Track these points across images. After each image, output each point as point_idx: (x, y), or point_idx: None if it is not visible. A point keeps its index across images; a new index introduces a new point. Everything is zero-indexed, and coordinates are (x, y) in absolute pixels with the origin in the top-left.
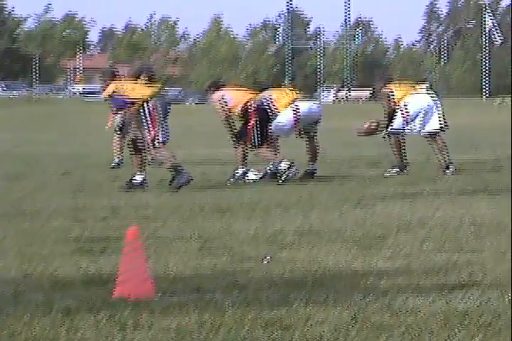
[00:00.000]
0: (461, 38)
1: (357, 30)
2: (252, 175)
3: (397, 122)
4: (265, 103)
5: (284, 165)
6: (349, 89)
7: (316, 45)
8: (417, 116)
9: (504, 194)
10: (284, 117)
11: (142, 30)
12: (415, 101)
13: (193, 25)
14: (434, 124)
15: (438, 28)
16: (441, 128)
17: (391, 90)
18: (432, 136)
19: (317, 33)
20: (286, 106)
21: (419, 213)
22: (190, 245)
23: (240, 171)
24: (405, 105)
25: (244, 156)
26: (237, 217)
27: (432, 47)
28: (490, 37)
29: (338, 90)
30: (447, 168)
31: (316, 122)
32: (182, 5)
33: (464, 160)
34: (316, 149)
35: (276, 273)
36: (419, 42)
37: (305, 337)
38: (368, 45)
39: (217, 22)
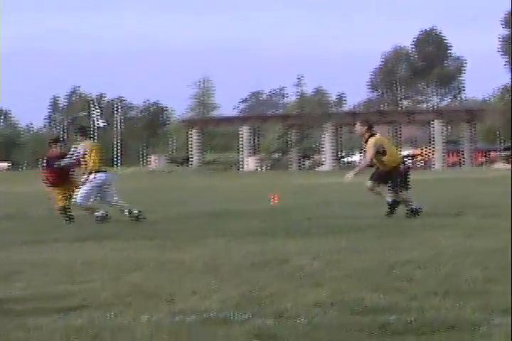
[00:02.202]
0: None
1: None
2: None
3: None
4: None
5: None
6: None
7: None
8: None
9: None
10: None
11: None
12: None
13: None
14: None
15: (60, 116)
16: None
17: None
18: None
19: None
20: None
21: (45, 255)
22: None
23: None
24: None
25: None
26: None
27: (55, 130)
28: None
29: None
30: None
31: None
32: None
33: None
34: None
35: None
36: (45, 127)
37: None
38: (7, 129)
39: None
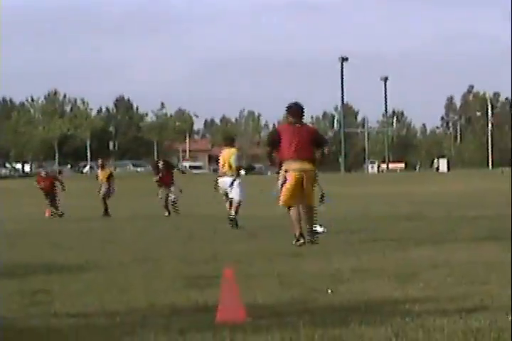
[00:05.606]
0: (471, 125)
1: (393, 118)
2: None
3: None
4: None
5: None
6: (388, 163)
7: (363, 130)
8: None
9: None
10: None
11: (234, 121)
12: None
13: (272, 117)
14: None
15: (454, 116)
16: None
17: None
18: None
19: (363, 121)
20: None
21: (443, 255)
22: (272, 280)
23: None
24: None
25: None
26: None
27: (449, 131)
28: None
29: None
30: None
31: None
32: (265, 102)
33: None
34: None
35: (337, 301)
36: (439, 127)
37: None
38: (402, 130)
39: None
